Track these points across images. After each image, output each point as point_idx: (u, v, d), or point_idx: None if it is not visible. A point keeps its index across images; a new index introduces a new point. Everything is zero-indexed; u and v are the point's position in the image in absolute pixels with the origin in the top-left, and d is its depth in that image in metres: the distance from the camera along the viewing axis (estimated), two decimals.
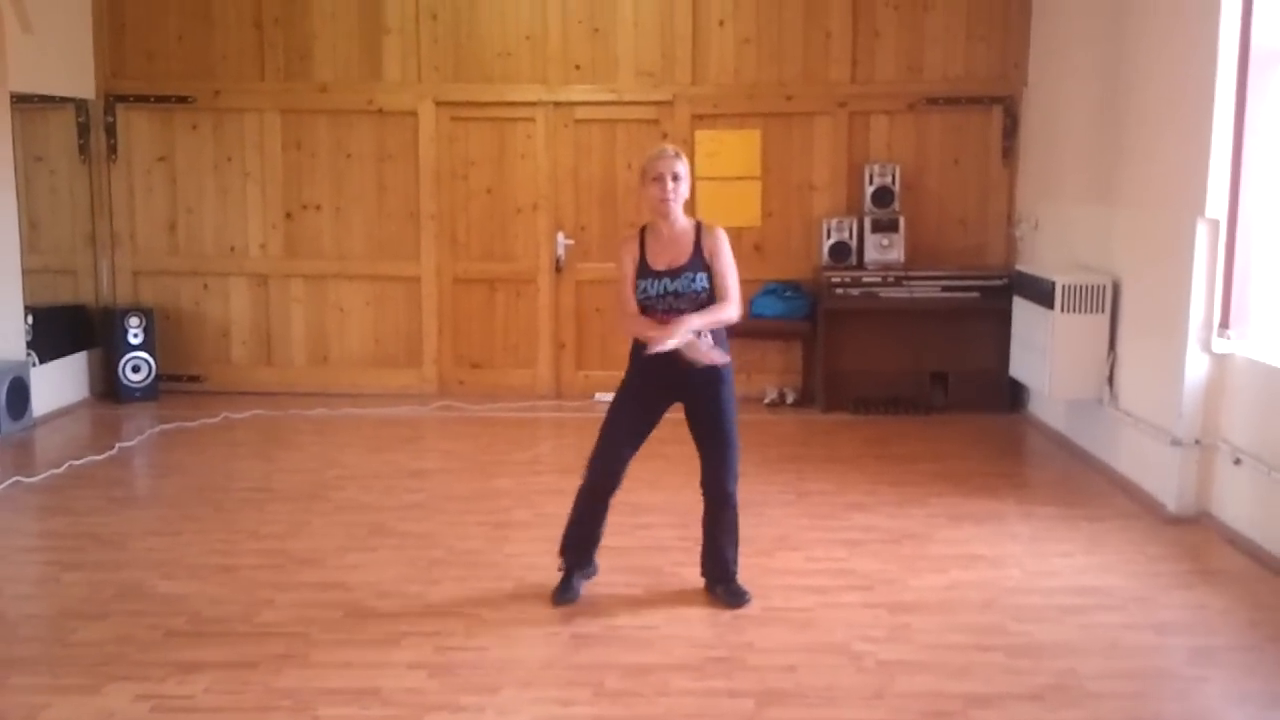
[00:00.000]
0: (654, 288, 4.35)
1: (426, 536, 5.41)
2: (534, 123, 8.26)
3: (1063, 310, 6.41)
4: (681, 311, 4.31)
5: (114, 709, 3.72)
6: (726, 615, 4.47)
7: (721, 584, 4.61)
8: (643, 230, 4.48)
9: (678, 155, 4.38)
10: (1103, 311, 6.38)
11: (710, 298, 4.36)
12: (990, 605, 4.58)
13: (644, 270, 4.38)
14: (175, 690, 3.85)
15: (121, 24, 8.27)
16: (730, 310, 4.38)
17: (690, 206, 7.95)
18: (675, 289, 4.33)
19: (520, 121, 8.27)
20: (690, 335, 4.27)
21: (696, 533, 5.30)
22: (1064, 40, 7.30)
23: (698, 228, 4.43)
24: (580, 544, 4.62)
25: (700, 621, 4.41)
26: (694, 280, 4.33)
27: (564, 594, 4.57)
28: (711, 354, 4.33)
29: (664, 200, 4.34)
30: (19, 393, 7.23)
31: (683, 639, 4.25)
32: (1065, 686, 3.89)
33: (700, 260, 4.36)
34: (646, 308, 4.38)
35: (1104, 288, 6.37)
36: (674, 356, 4.26)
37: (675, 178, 4.34)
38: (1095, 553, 5.20)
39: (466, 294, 8.42)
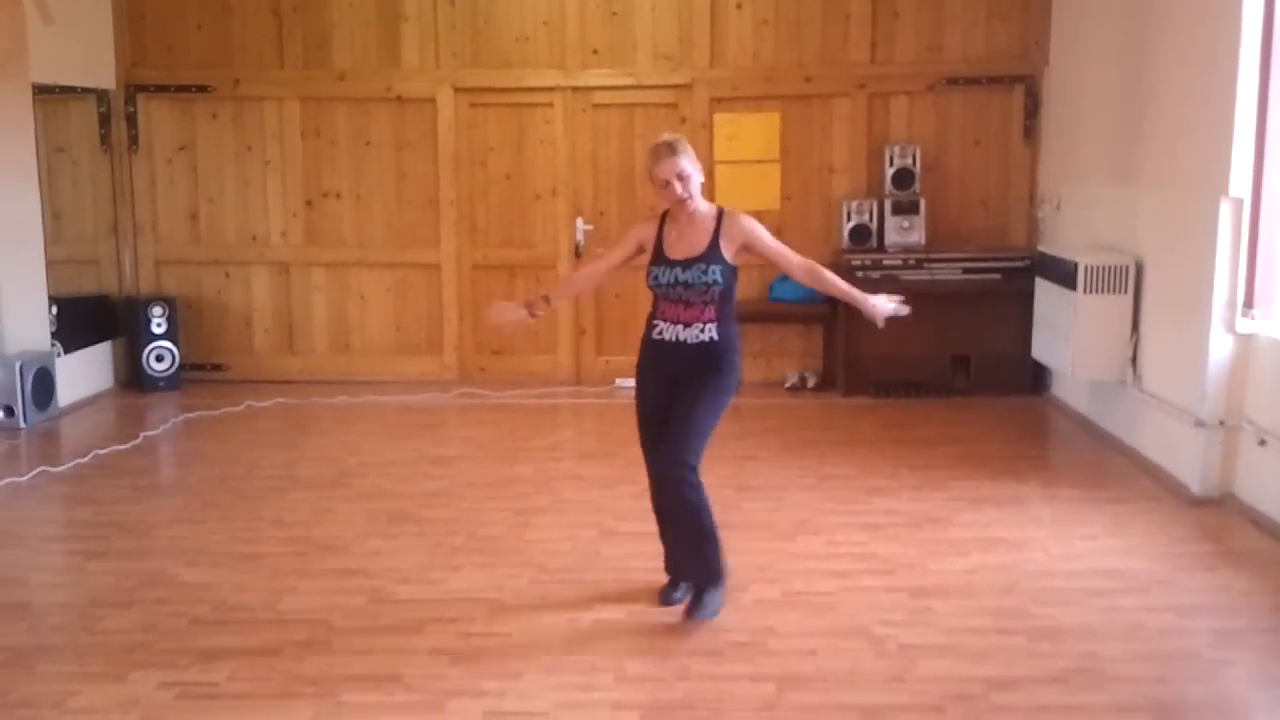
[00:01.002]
0: (665, 276, 4.22)
1: (448, 523, 5.43)
2: (552, 108, 8.25)
3: (1085, 291, 6.37)
4: (690, 302, 4.21)
5: (139, 696, 3.76)
6: (747, 599, 4.47)
7: (690, 590, 4.36)
8: (664, 215, 4.36)
9: (675, 151, 4.16)
10: (1125, 292, 6.33)
11: (722, 290, 4.20)
12: (1012, 588, 4.57)
13: (659, 257, 4.27)
14: (199, 677, 3.89)
15: (141, 14, 8.30)
16: (815, 266, 4.31)
17: (710, 190, 8.04)
18: (686, 279, 4.18)
19: (539, 107, 8.27)
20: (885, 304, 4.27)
21: (720, 518, 5.27)
22: (1085, 18, 7.23)
23: (719, 216, 4.27)
24: (667, 551, 4.46)
25: (722, 606, 4.41)
26: (705, 272, 4.17)
27: (664, 596, 4.43)
28: (882, 307, 4.28)
29: (680, 202, 4.19)
30: (44, 383, 7.30)
31: (703, 623, 4.25)
32: (1087, 670, 3.88)
33: (717, 251, 4.19)
34: (656, 294, 4.30)
35: (1127, 268, 6.32)
36: (670, 345, 4.23)
37: (681, 177, 4.16)
38: (1118, 535, 5.17)
39: (486, 280, 8.43)
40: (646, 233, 4.35)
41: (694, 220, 4.26)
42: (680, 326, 4.25)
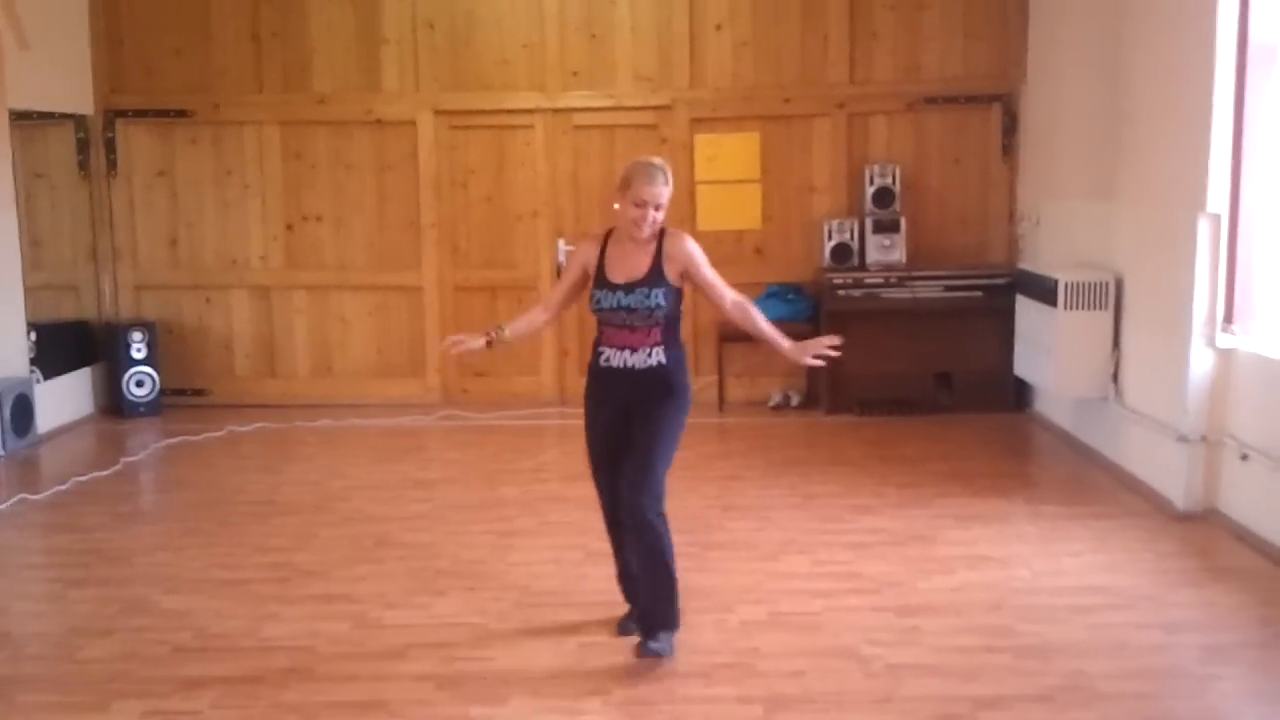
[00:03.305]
0: (608, 300, 4.11)
1: (432, 547, 5.40)
2: (533, 130, 8.26)
3: (1066, 308, 6.40)
4: (634, 327, 4.10)
5: None
6: (734, 621, 4.45)
7: (640, 632, 4.19)
8: (606, 235, 4.23)
9: (666, 180, 4.07)
10: (1106, 308, 6.36)
11: (666, 313, 4.10)
12: (998, 606, 4.56)
13: (600, 280, 4.14)
14: (181, 706, 3.85)
15: (119, 39, 8.28)
16: (746, 303, 4.25)
17: (690, 210, 8.07)
18: (629, 304, 4.08)
19: (519, 129, 8.27)
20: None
21: (704, 538, 5.30)
22: (1062, 37, 7.28)
23: (660, 234, 4.14)
24: (627, 578, 4.38)
25: (707, 628, 4.39)
26: (649, 296, 4.07)
27: (623, 626, 4.36)
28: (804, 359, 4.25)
29: (638, 224, 4.05)
30: (23, 410, 7.23)
31: (690, 646, 4.22)
32: (1075, 687, 3.87)
33: (659, 274, 4.09)
34: (600, 319, 4.19)
35: (1107, 284, 6.35)
36: (619, 372, 4.16)
37: (658, 206, 4.05)
38: (1103, 551, 5.18)
39: (468, 302, 8.41)
40: (589, 254, 4.21)
41: (637, 242, 4.14)
42: (627, 352, 4.15)
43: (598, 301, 4.16)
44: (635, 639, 4.20)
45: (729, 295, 4.24)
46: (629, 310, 4.10)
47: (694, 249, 4.17)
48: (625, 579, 4.40)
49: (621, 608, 4.44)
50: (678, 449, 4.20)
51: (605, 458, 4.25)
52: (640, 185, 4.06)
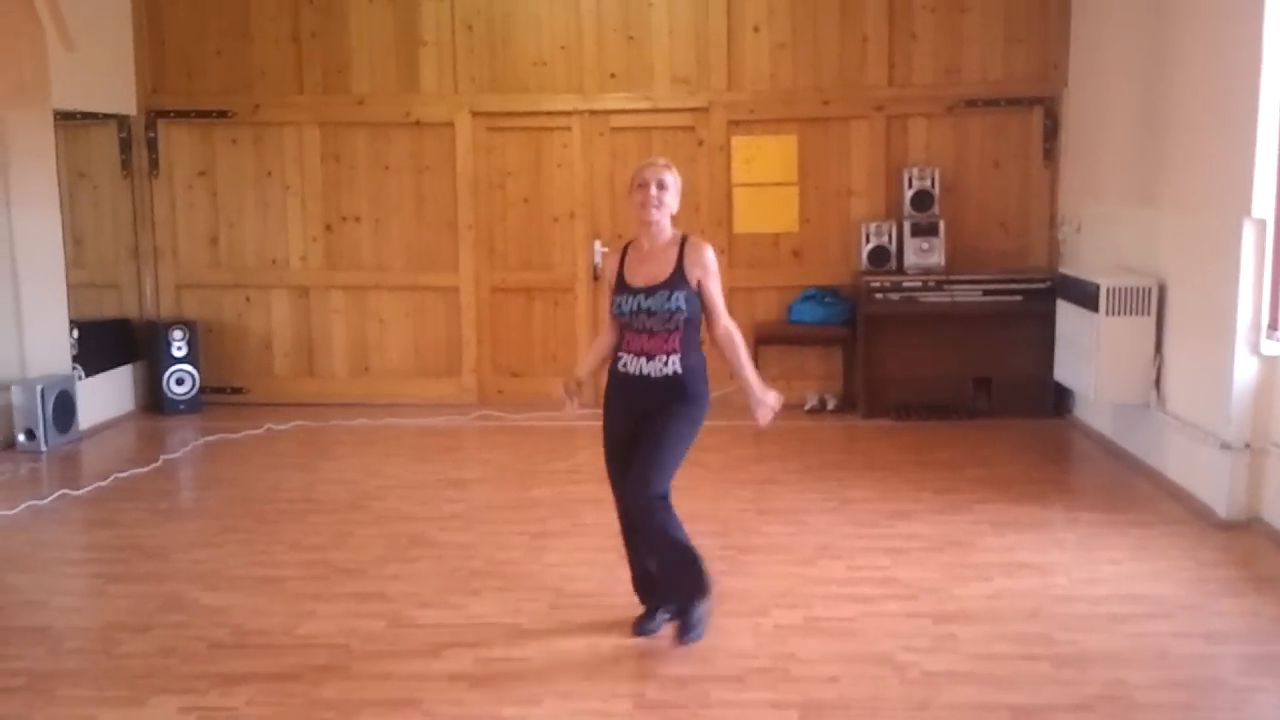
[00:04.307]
0: (628, 304, 4.15)
1: (466, 547, 5.41)
2: (570, 131, 8.27)
3: (1108, 313, 6.33)
4: (653, 332, 4.13)
5: None
6: (769, 625, 4.43)
7: (678, 625, 4.23)
8: (627, 245, 4.32)
9: (667, 166, 4.21)
10: (1148, 314, 6.28)
11: (686, 318, 4.13)
12: (1036, 614, 4.52)
13: (621, 285, 4.21)
14: (218, 703, 3.87)
15: (161, 41, 8.37)
16: (735, 334, 4.27)
17: (727, 212, 8.05)
18: (649, 307, 4.11)
19: (556, 131, 8.29)
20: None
21: (739, 541, 5.28)
22: (1105, 40, 7.21)
23: (682, 242, 4.21)
24: (642, 580, 4.42)
25: (742, 632, 4.38)
26: (669, 298, 4.10)
27: (640, 627, 4.37)
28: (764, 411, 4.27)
29: (644, 205, 4.14)
30: (65, 406, 7.32)
31: (724, 649, 4.21)
32: (1114, 697, 3.82)
33: (680, 277, 4.13)
34: (621, 324, 4.22)
35: (1149, 290, 6.28)
36: (634, 379, 4.19)
37: (660, 185, 4.15)
38: (1143, 560, 5.11)
39: (505, 303, 8.44)
40: (610, 266, 4.33)
41: (656, 245, 4.21)
42: (643, 359, 4.16)
43: (618, 306, 4.20)
44: (655, 638, 4.26)
45: (724, 320, 4.27)
46: (648, 313, 4.13)
47: (712, 260, 4.22)
48: (641, 581, 4.42)
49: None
50: (684, 457, 4.21)
51: (619, 463, 4.26)
52: (641, 170, 4.22)
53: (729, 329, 4.27)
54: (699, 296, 4.19)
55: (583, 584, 4.86)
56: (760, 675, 4.02)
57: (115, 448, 7.47)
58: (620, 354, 4.25)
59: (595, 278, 8.27)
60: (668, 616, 4.33)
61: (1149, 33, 6.44)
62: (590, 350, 4.51)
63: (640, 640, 4.31)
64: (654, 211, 4.16)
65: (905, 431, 7.55)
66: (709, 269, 4.20)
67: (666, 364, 4.15)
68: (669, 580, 4.27)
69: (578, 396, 4.38)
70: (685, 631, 4.20)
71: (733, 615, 4.51)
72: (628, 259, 4.27)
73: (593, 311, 8.33)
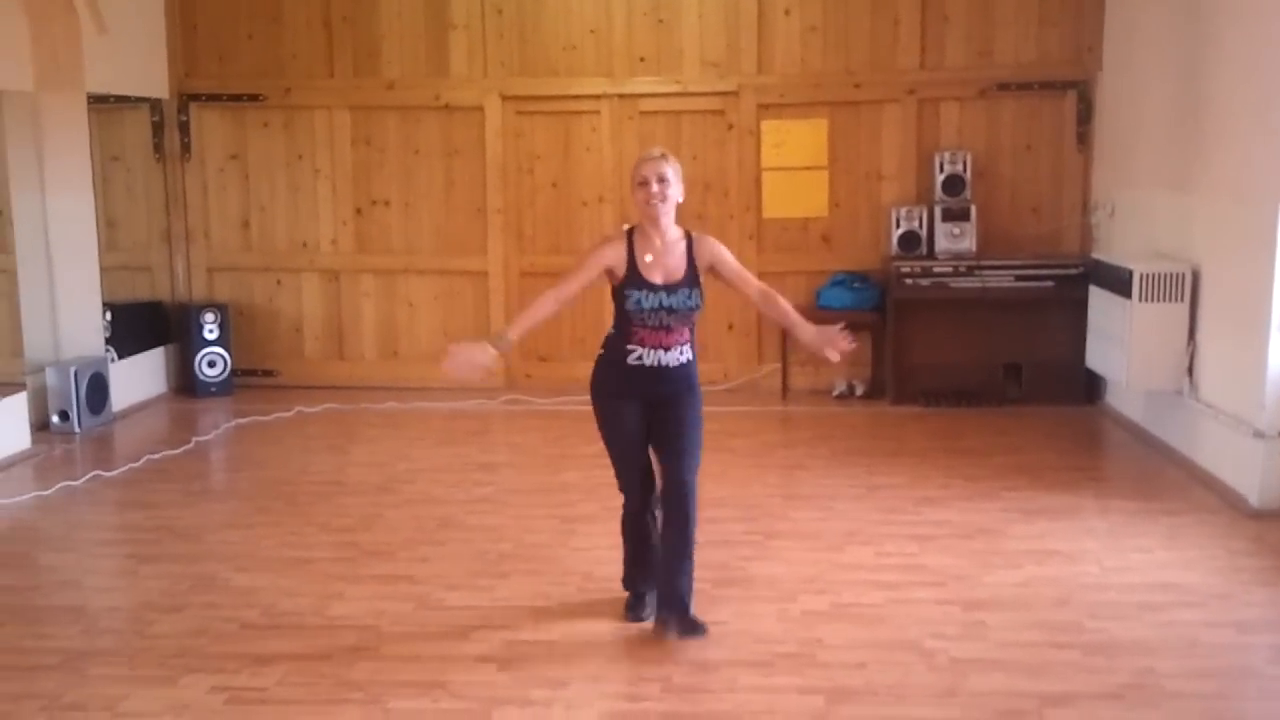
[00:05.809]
0: (649, 301, 4.13)
1: (495, 530, 5.43)
2: (599, 115, 8.26)
3: (1141, 299, 6.27)
4: (672, 327, 4.16)
5: (190, 700, 3.79)
6: (796, 611, 4.43)
7: (674, 614, 4.18)
8: (630, 234, 4.23)
9: (665, 157, 4.18)
10: (1182, 300, 6.22)
11: (699, 312, 4.24)
12: (1066, 602, 4.49)
13: (637, 281, 4.14)
14: (249, 682, 3.91)
15: (194, 24, 8.41)
16: (770, 291, 4.32)
17: (757, 197, 8.02)
18: (670, 304, 4.13)
19: (585, 114, 8.27)
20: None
21: (767, 527, 5.28)
22: (1139, 23, 7.12)
23: (689, 239, 4.23)
24: (635, 565, 4.46)
25: (769, 617, 4.38)
26: (689, 296, 4.15)
27: (634, 613, 4.39)
28: (835, 341, 4.24)
29: (649, 203, 4.12)
30: (98, 388, 7.39)
31: (751, 634, 4.22)
32: (1143, 685, 3.80)
33: (694, 274, 4.18)
34: (635, 319, 4.17)
35: (1183, 276, 6.21)
36: (650, 370, 4.20)
37: (661, 180, 4.12)
38: (1174, 548, 5.07)
39: (533, 287, 8.40)
40: (614, 256, 4.19)
41: (666, 241, 4.19)
42: (661, 351, 4.19)
43: (637, 302, 4.15)
44: (652, 624, 4.26)
45: (754, 284, 4.34)
46: (669, 311, 4.15)
47: (720, 247, 4.29)
48: (636, 567, 4.44)
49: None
50: None
51: (637, 450, 4.30)
52: (638, 166, 4.20)
53: (762, 289, 4.33)
54: (722, 277, 4.27)
55: (611, 568, 4.86)
56: (787, 660, 4.02)
57: (148, 429, 7.54)
58: (632, 347, 4.20)
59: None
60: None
61: (1185, 16, 6.36)
62: (525, 316, 4.29)
63: None
64: (660, 207, 4.15)
65: (934, 418, 7.52)
66: (720, 253, 4.26)
67: (682, 353, 4.24)
68: (676, 567, 4.19)
69: (501, 349, 4.19)
70: (692, 629, 4.18)
71: (760, 600, 4.52)
72: (638, 252, 4.19)
73: None
